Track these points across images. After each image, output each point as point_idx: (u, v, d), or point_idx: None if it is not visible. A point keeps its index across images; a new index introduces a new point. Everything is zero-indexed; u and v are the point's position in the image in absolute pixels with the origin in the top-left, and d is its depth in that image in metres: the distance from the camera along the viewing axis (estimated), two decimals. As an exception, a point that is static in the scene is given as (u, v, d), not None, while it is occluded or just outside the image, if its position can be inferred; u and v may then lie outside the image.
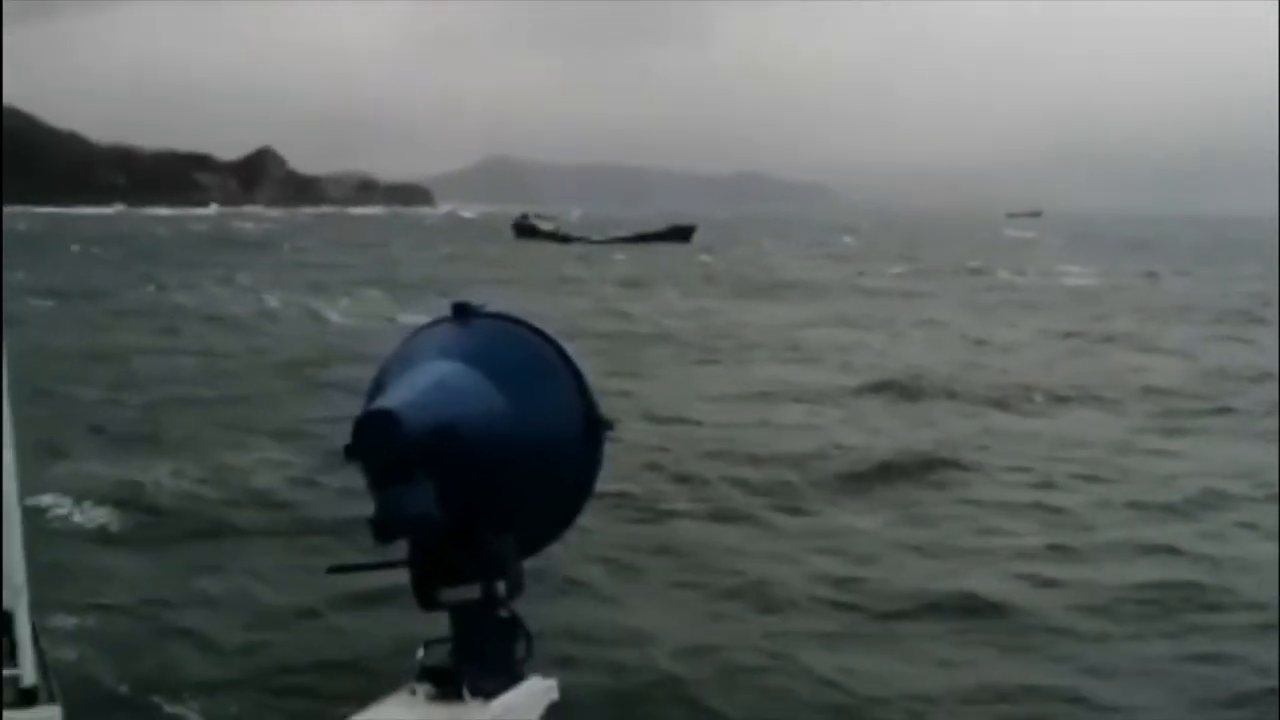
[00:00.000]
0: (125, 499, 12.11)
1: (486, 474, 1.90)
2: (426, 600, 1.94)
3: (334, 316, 31.45)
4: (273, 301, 34.77)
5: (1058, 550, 11.09)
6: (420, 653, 1.97)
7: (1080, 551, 11.04)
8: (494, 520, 1.93)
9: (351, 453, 1.82)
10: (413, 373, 1.93)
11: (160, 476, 12.96)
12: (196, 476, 13.05)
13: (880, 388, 20.07)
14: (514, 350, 2.02)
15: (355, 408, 1.89)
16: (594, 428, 2.04)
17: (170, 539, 11.10)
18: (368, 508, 1.79)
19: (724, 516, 12.09)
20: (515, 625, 1.97)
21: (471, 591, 1.92)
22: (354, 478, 1.87)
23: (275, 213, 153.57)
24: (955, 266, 56.95)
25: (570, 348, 2.05)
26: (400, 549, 1.88)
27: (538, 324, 2.07)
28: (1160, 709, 7.75)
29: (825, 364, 23.32)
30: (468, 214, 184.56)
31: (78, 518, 11.52)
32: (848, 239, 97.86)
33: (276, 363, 21.84)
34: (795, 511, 12.43)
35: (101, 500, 11.97)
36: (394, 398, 1.84)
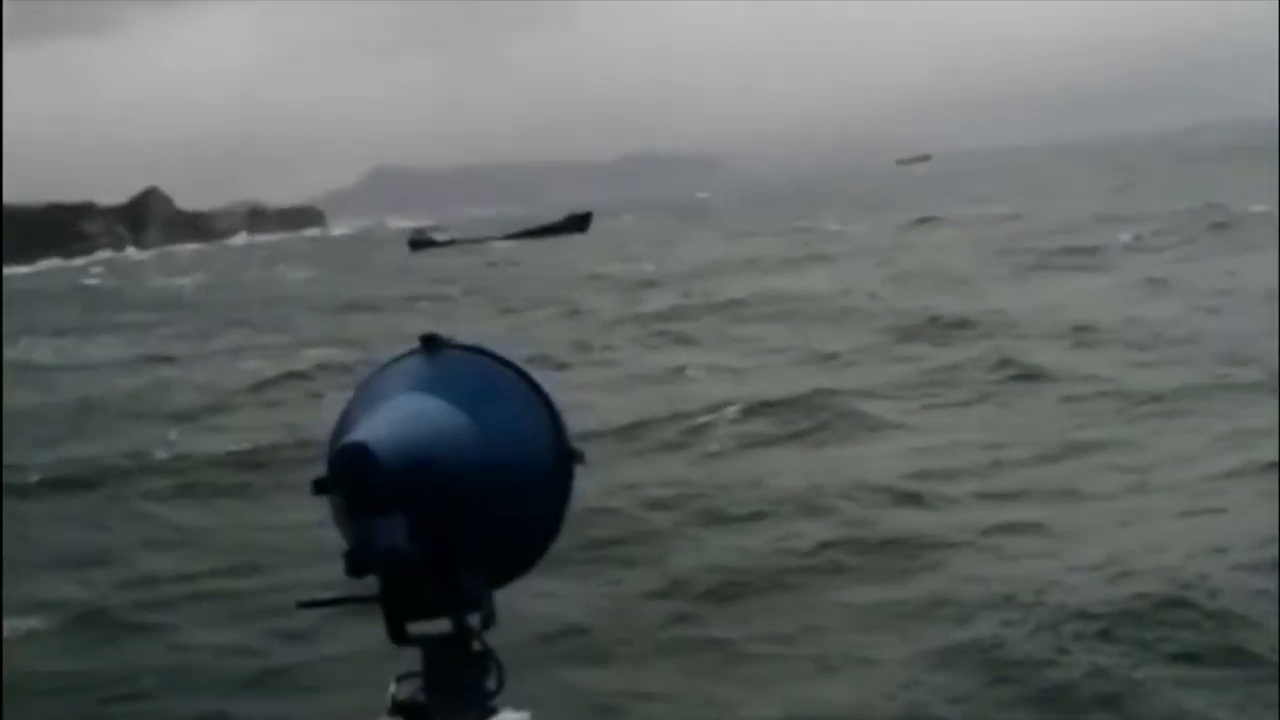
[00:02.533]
0: None
1: (459, 506, 1.90)
2: (398, 634, 1.92)
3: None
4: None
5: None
6: (392, 687, 1.95)
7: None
8: (466, 553, 1.93)
9: (323, 486, 1.83)
10: (383, 406, 1.94)
11: None
12: None
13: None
14: (484, 382, 2.04)
15: None
16: (565, 459, 2.05)
17: None
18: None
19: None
20: (488, 658, 1.96)
21: (443, 625, 1.93)
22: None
23: (146, 255, 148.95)
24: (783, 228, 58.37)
25: (541, 378, 2.07)
26: (371, 583, 1.87)
27: (507, 355, 2.09)
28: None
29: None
30: (341, 230, 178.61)
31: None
32: (711, 203, 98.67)
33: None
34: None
35: None
36: (366, 431, 1.83)
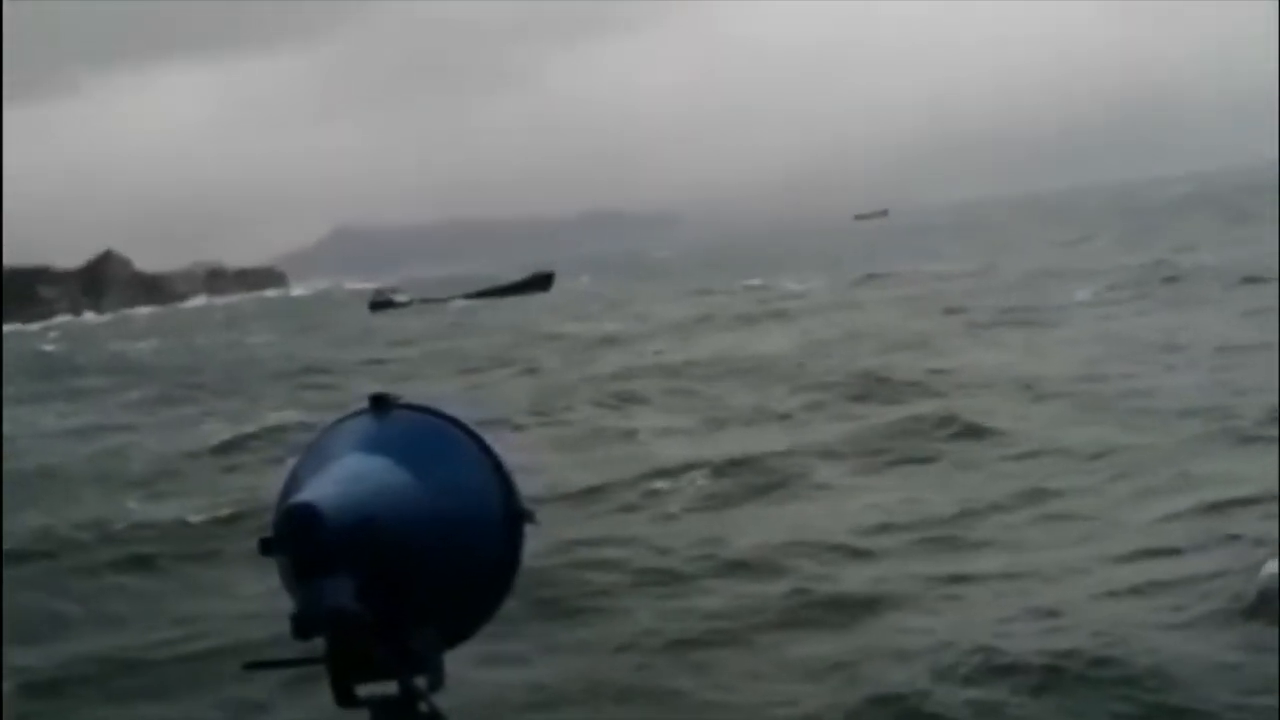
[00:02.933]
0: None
1: (407, 568, 1.89)
2: (344, 697, 1.90)
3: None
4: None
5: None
6: None
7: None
8: (414, 614, 1.92)
9: (270, 547, 1.81)
10: (330, 466, 1.94)
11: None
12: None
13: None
14: (433, 442, 2.03)
15: None
16: (516, 519, 2.05)
17: None
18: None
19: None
20: None
21: (390, 687, 1.90)
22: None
23: (105, 318, 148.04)
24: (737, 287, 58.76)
25: (490, 439, 2.08)
26: (320, 645, 1.85)
27: (457, 415, 2.09)
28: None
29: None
30: (301, 290, 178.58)
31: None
32: (670, 261, 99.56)
33: None
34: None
35: None
36: (313, 491, 1.83)
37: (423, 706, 1.91)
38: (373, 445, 1.98)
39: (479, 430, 2.07)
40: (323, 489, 1.84)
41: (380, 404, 2.05)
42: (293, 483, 1.98)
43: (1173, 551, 11.64)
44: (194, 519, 17.29)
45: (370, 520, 1.83)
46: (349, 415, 2.07)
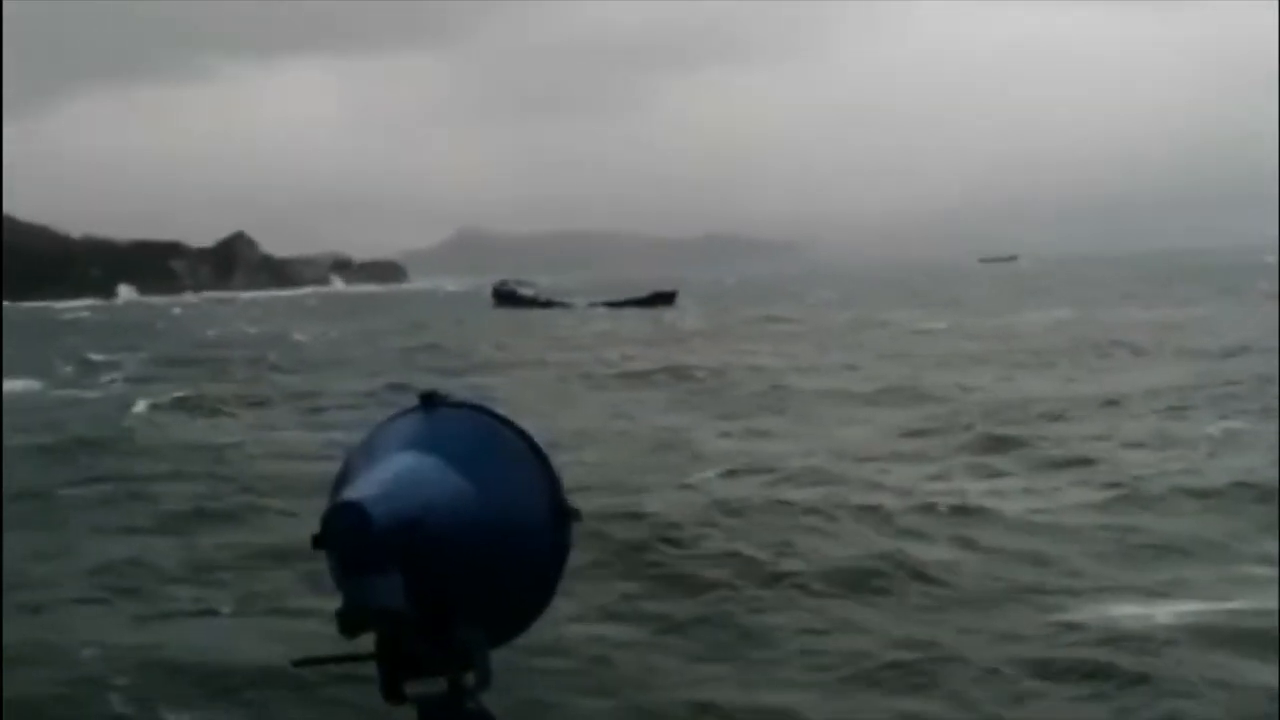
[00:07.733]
0: None
1: (454, 565, 1.91)
2: (392, 693, 1.91)
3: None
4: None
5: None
6: None
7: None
8: (462, 612, 1.94)
9: (319, 543, 1.82)
10: (379, 464, 1.96)
11: None
12: None
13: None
14: (481, 440, 2.05)
15: None
16: (562, 517, 2.05)
17: None
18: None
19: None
20: (482, 719, 1.95)
21: (438, 684, 1.91)
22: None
23: (248, 295, 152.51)
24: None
25: (538, 437, 2.08)
26: (367, 641, 1.87)
27: (505, 414, 2.10)
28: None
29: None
30: (418, 285, 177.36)
31: None
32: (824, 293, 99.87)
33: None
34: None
35: None
36: (361, 489, 1.85)
37: (470, 704, 1.94)
38: (422, 443, 2.01)
39: (525, 428, 2.08)
40: (371, 487, 1.86)
41: (430, 402, 2.08)
42: (343, 479, 2.00)
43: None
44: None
45: (418, 518, 1.86)
46: (400, 413, 2.09)
